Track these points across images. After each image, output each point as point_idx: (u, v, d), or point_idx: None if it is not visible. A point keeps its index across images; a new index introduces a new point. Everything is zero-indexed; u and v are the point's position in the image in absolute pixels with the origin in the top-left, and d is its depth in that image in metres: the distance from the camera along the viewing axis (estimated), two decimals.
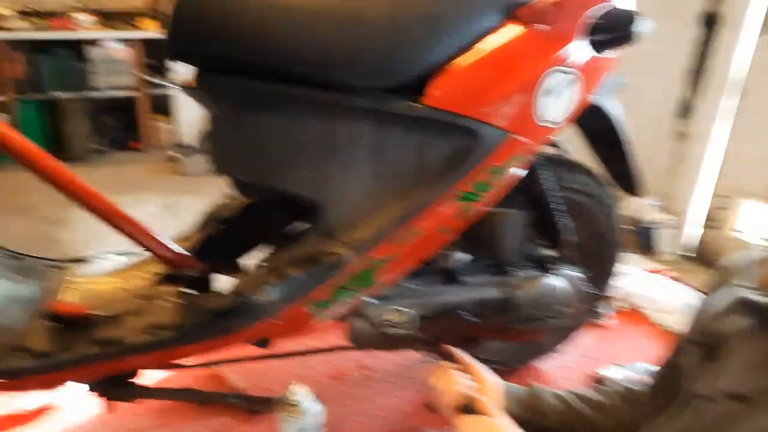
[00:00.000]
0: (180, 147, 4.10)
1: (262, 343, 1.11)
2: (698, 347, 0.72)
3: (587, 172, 1.36)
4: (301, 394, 0.97)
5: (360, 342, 1.15)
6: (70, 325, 1.02)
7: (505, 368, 1.43)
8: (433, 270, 1.19)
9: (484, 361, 1.39)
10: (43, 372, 0.93)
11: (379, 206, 1.06)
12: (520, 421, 0.84)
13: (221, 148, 1.09)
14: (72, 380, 0.99)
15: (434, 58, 1.01)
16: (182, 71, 4.03)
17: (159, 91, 4.15)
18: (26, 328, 1.01)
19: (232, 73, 0.99)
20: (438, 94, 1.01)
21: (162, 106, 4.35)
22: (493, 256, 1.22)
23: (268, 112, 1.02)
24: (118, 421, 1.22)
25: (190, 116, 4.13)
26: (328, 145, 1.04)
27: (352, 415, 1.28)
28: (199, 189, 3.56)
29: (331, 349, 1.30)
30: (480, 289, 1.18)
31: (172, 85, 4.11)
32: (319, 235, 1.08)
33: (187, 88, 1.05)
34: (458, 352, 0.97)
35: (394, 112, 1.01)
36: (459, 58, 1.01)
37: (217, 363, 1.30)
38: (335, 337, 1.46)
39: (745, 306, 0.66)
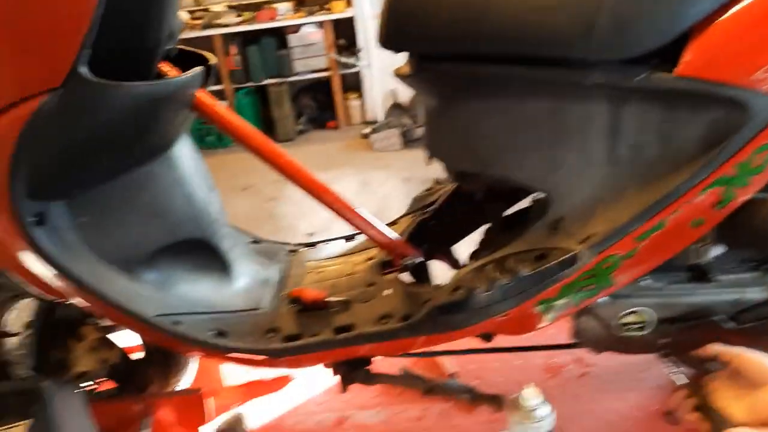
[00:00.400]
0: (371, 123, 4.29)
1: (485, 337, 1.09)
2: None
3: None
4: (536, 399, 0.93)
5: (589, 343, 1.06)
6: (310, 309, 1.11)
7: None
8: (679, 266, 1.04)
9: None
10: (294, 353, 1.02)
11: (618, 197, 0.94)
12: None
13: (440, 137, 1.07)
14: (316, 362, 1.08)
15: (688, 18, 0.85)
16: (377, 50, 4.18)
17: (350, 71, 4.37)
18: (275, 310, 1.13)
19: (451, 58, 0.96)
20: (695, 60, 0.85)
21: (353, 85, 4.58)
22: (757, 251, 1.03)
23: (491, 97, 0.97)
24: (347, 396, 1.31)
25: (379, 93, 4.30)
26: (557, 128, 0.95)
27: (576, 416, 1.20)
28: (390, 164, 3.70)
29: (553, 347, 1.23)
30: (738, 289, 1.01)
31: (361, 64, 4.29)
32: (545, 227, 1.00)
33: (402, 77, 1.04)
34: (728, 350, 0.81)
35: (636, 87, 0.88)
36: (721, 15, 0.84)
37: (438, 353, 1.33)
38: (553, 331, 1.39)
39: None
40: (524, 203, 1.22)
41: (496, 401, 1.17)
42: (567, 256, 0.93)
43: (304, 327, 1.06)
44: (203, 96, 1.08)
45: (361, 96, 4.51)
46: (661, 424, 1.15)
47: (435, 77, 1.00)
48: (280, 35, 4.29)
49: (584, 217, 0.96)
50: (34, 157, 0.85)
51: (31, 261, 0.93)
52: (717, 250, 1.08)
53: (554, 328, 1.38)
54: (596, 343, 1.07)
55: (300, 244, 1.39)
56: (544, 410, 0.93)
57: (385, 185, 3.39)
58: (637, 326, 1.03)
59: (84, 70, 0.81)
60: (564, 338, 1.11)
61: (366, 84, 4.41)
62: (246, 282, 1.18)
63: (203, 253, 1.12)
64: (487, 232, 1.23)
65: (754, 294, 1.01)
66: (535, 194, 1.18)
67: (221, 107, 1.10)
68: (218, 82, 4.30)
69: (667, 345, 1.06)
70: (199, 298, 1.08)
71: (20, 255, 0.93)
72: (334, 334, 1.03)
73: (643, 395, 1.24)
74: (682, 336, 1.03)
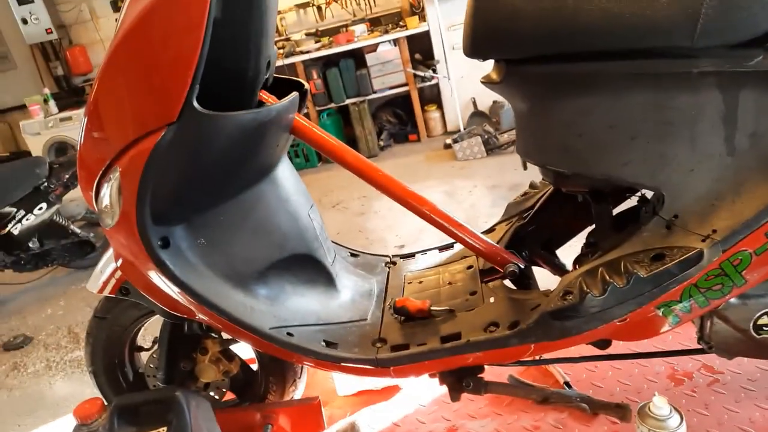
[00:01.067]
0: (452, 133, 4.28)
1: (602, 344, 1.04)
2: None
3: None
4: (666, 408, 0.87)
5: (721, 348, 0.98)
6: (415, 319, 1.11)
7: None
8: None
9: None
10: (403, 363, 1.03)
11: (741, 189, 0.87)
12: None
13: (535, 140, 1.04)
14: (424, 372, 1.08)
15: None
16: (454, 60, 4.16)
17: (427, 83, 4.40)
18: (380, 320, 1.14)
19: (541, 60, 0.93)
20: None
21: (432, 97, 4.61)
22: None
23: (587, 95, 0.93)
24: (457, 405, 1.30)
25: (458, 103, 4.28)
26: (664, 121, 0.90)
27: (709, 427, 1.11)
28: (475, 172, 3.67)
29: (675, 353, 1.15)
30: None
31: (438, 76, 4.30)
32: (660, 225, 0.94)
33: (491, 83, 1.02)
34: None
35: (752, 71, 0.81)
36: None
37: (550, 360, 1.28)
38: (674, 334, 1.30)
39: None
40: (631, 202, 1.16)
41: (619, 410, 1.11)
42: (690, 254, 0.87)
43: (410, 337, 1.07)
44: (299, 119, 1.13)
45: (440, 107, 4.52)
46: None
47: (525, 81, 0.98)
48: (357, 56, 4.42)
49: (703, 212, 0.90)
50: (157, 187, 0.93)
51: (159, 281, 1.01)
52: None
53: (674, 332, 1.30)
54: (728, 348, 0.98)
55: (397, 256, 1.41)
56: (675, 420, 0.87)
57: (472, 194, 3.36)
58: None
59: (196, 104, 0.88)
60: (686, 343, 1.03)
61: (444, 95, 4.41)
62: (350, 294, 1.21)
63: (309, 267, 1.16)
64: (592, 234, 1.17)
65: None
66: (641, 192, 1.12)
67: (316, 128, 1.14)
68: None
69: None
70: (309, 310, 1.12)
71: (149, 276, 1.01)
72: (441, 342, 1.03)
73: None
74: None
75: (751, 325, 0.94)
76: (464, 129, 4.12)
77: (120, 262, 1.06)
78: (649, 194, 1.04)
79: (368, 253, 1.43)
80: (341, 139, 4.81)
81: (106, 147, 0.95)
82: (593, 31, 0.85)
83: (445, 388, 1.13)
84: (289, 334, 1.05)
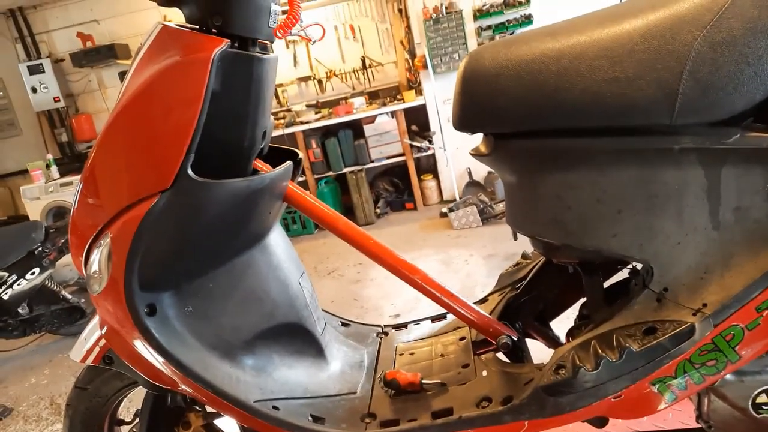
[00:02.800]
0: (448, 202, 4.34)
1: (599, 422, 1.00)
2: None
3: None
4: None
5: (721, 428, 0.95)
6: (405, 392, 1.08)
7: None
8: None
9: None
10: None
11: (729, 263, 0.87)
12: None
13: (520, 211, 1.05)
14: None
15: None
16: (450, 131, 4.31)
17: (424, 154, 4.51)
18: (370, 393, 1.11)
19: (528, 135, 0.96)
20: None
21: (428, 167, 4.71)
22: None
23: (574, 169, 0.95)
24: None
25: (454, 173, 4.37)
26: (650, 195, 0.91)
27: None
28: (471, 241, 3.69)
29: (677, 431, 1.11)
30: None
31: (434, 147, 4.42)
32: (650, 298, 0.94)
33: (479, 156, 1.05)
34: None
35: (731, 148, 0.84)
36: None
37: None
38: (674, 412, 1.26)
39: None
40: (623, 274, 1.16)
41: None
42: (681, 328, 0.86)
43: (400, 412, 1.04)
44: (293, 187, 1.15)
45: (436, 176, 4.61)
46: None
47: (512, 154, 1.00)
48: (356, 127, 4.56)
49: (693, 286, 0.89)
50: (147, 253, 0.93)
51: (143, 349, 0.99)
52: None
53: (674, 411, 1.26)
54: (728, 428, 0.95)
55: (389, 326, 1.39)
56: None
57: (468, 263, 3.36)
58: None
59: (190, 172, 0.89)
60: (687, 421, 1.00)
61: (440, 165, 4.52)
62: (339, 365, 1.18)
63: (298, 336, 1.14)
64: (585, 306, 1.16)
65: None
66: (632, 264, 1.12)
67: (309, 196, 1.16)
68: (301, 173, 4.58)
69: None
70: (296, 382, 1.09)
71: (134, 344, 0.99)
72: (432, 419, 0.99)
73: None
74: None
75: (750, 403, 0.91)
76: (460, 198, 4.18)
77: (105, 329, 1.04)
78: (639, 267, 1.05)
79: (360, 323, 1.41)
80: (338, 206, 4.89)
81: (99, 213, 0.96)
82: (574, 109, 0.88)
83: None
84: (274, 407, 1.02)
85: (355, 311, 2.98)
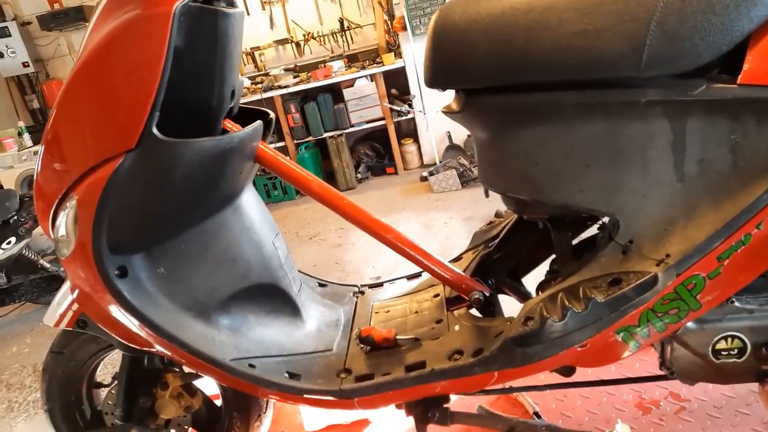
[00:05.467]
0: (427, 166, 4.34)
1: (566, 371, 1.04)
2: None
3: None
4: None
5: (682, 373, 0.98)
6: (380, 348, 1.10)
7: None
8: None
9: None
10: (368, 393, 1.01)
11: (693, 214, 0.89)
12: None
13: (491, 168, 1.06)
14: (389, 402, 1.06)
15: (744, 26, 0.81)
16: (429, 95, 4.26)
17: (404, 118, 4.47)
18: (346, 350, 1.13)
19: (498, 90, 0.96)
20: (759, 67, 0.80)
21: (408, 131, 4.68)
22: None
23: (543, 124, 0.95)
24: None
25: (434, 137, 4.35)
26: (616, 149, 0.92)
27: None
28: (450, 205, 3.70)
29: (641, 379, 1.15)
30: None
31: (414, 110, 4.38)
32: (616, 250, 0.96)
33: (451, 113, 1.05)
34: None
35: (696, 100, 0.84)
36: None
37: (517, 389, 1.27)
38: (640, 362, 1.31)
39: None
40: (592, 230, 1.18)
41: None
42: (645, 279, 0.88)
43: (375, 366, 1.06)
44: (264, 148, 1.13)
45: (416, 141, 4.59)
46: None
47: (483, 110, 1.00)
48: (335, 91, 4.48)
49: (657, 237, 0.91)
50: (115, 215, 0.91)
51: (116, 312, 0.99)
52: None
53: (641, 360, 1.30)
54: (689, 374, 0.99)
55: (365, 285, 1.40)
56: None
57: (448, 226, 3.38)
58: (732, 353, 0.94)
59: (155, 130, 0.88)
60: (652, 370, 1.04)
61: (420, 129, 4.49)
62: (316, 324, 1.20)
63: (273, 297, 1.15)
64: (555, 261, 1.18)
65: None
66: (601, 220, 1.14)
67: (281, 157, 1.15)
68: (281, 138, 4.52)
69: None
70: (272, 341, 1.10)
71: (106, 307, 0.99)
72: (405, 372, 1.01)
73: (749, 431, 1.12)
74: None
75: (710, 349, 0.94)
76: (440, 162, 4.17)
77: (77, 293, 1.03)
78: (606, 221, 1.06)
79: (336, 283, 1.42)
80: (319, 172, 4.86)
81: (63, 175, 0.94)
82: (543, 63, 0.88)
83: (412, 420, 1.11)
84: (251, 365, 1.03)
85: (337, 274, 2.99)
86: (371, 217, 1.15)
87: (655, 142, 0.90)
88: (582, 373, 1.12)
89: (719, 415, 1.18)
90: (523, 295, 1.27)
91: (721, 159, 0.88)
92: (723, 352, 0.95)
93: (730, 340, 0.94)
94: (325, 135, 4.47)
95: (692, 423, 1.18)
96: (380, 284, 1.40)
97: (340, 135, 4.44)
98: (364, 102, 4.45)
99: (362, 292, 1.37)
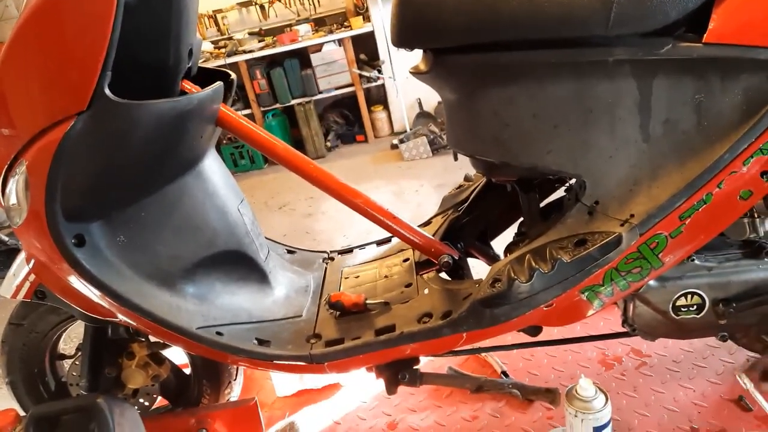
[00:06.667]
0: (398, 134, 4.30)
1: (532, 331, 1.05)
2: None
3: None
4: (591, 390, 0.89)
5: (643, 329, 1.01)
6: (350, 313, 1.10)
7: None
8: (733, 242, 0.98)
9: None
10: (337, 358, 1.01)
11: (657, 175, 0.90)
12: None
13: (459, 130, 1.05)
14: (360, 366, 1.06)
15: None
16: (399, 60, 4.18)
17: (373, 84, 4.40)
18: (316, 316, 1.12)
19: (466, 50, 0.94)
20: (724, 26, 0.81)
21: (378, 98, 4.61)
22: None
23: (511, 84, 0.94)
24: (397, 400, 1.29)
25: (404, 104, 4.30)
26: (582, 111, 0.92)
27: (637, 408, 1.14)
28: (421, 172, 3.69)
29: (603, 337, 1.18)
30: None
31: (383, 76, 4.31)
32: (583, 212, 0.97)
33: (419, 74, 1.03)
34: None
35: (662, 59, 0.85)
36: None
37: (485, 349, 1.30)
38: (604, 320, 1.34)
39: None
40: (559, 192, 1.18)
41: (550, 395, 1.13)
42: (609, 239, 0.89)
43: (345, 331, 1.06)
44: (225, 110, 1.09)
45: (386, 108, 4.53)
46: (730, 413, 1.08)
47: (452, 70, 0.98)
48: (302, 56, 4.36)
49: (622, 198, 0.92)
50: (68, 180, 0.87)
51: (76, 282, 0.96)
52: None
53: (604, 319, 1.34)
54: (650, 330, 1.02)
55: (335, 251, 1.39)
56: (601, 400, 0.89)
57: (419, 193, 3.38)
58: (691, 309, 0.97)
59: (108, 91, 0.83)
60: (615, 328, 1.06)
61: (390, 95, 4.43)
62: (284, 291, 1.19)
63: (240, 264, 1.13)
64: (523, 224, 1.19)
65: None
66: (569, 182, 1.15)
67: (244, 120, 1.11)
68: (247, 106, 4.39)
69: (726, 327, 1.00)
70: (240, 308, 1.09)
71: (64, 277, 0.96)
72: (375, 336, 1.02)
73: (707, 383, 1.17)
74: (742, 317, 0.97)
75: (670, 306, 0.97)
76: (410, 129, 4.14)
77: (33, 263, 0.99)
78: (573, 182, 1.07)
79: (305, 250, 1.41)
80: (288, 140, 4.78)
81: (11, 140, 0.89)
82: (513, 21, 0.86)
83: (383, 384, 1.12)
84: (218, 333, 1.02)
85: (308, 244, 2.98)
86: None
87: (622, 101, 0.90)
88: (548, 333, 1.15)
89: (677, 369, 1.23)
90: (491, 258, 1.29)
91: (686, 119, 0.88)
92: (683, 309, 0.98)
93: (689, 297, 0.97)
94: (293, 102, 4.37)
95: (652, 377, 1.23)
96: (350, 250, 1.39)
97: (309, 102, 4.35)
98: (333, 68, 4.35)
99: (332, 258, 1.36)
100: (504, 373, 1.30)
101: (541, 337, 1.09)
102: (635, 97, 0.89)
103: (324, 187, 1.13)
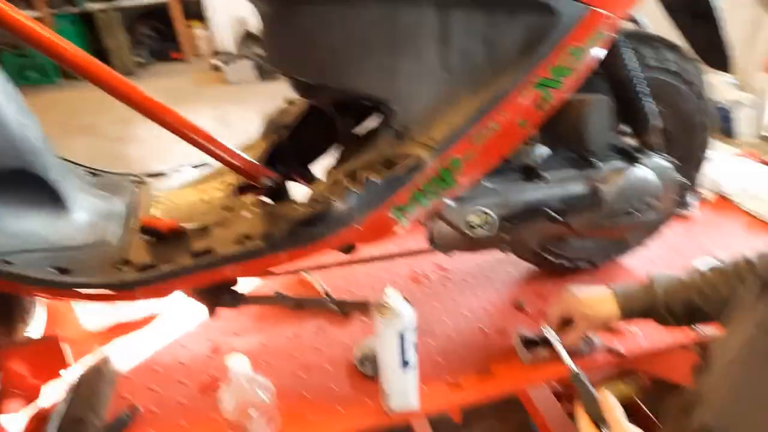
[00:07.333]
0: (221, 54, 4.02)
1: (347, 249, 1.13)
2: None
3: (672, 47, 1.24)
4: (396, 298, 0.99)
5: (442, 245, 1.14)
6: (165, 239, 1.05)
7: (592, 266, 1.42)
8: (514, 167, 1.14)
9: (570, 260, 1.39)
10: (150, 283, 0.98)
11: (453, 101, 1.00)
12: (642, 312, 1.02)
13: (276, 47, 1.03)
14: (175, 290, 1.04)
15: None
16: None
17: None
18: (125, 242, 1.06)
19: None
20: None
21: (197, 12, 4.22)
22: (575, 149, 1.17)
23: (323, 4, 0.94)
24: (221, 325, 1.30)
25: (227, 20, 4.01)
26: (390, 37, 0.96)
27: (438, 316, 1.31)
28: (246, 97, 3.54)
29: (411, 254, 1.31)
30: (563, 185, 1.13)
31: None
32: (392, 136, 1.04)
33: None
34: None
35: None
36: None
37: (303, 270, 1.35)
38: (415, 240, 1.48)
39: None
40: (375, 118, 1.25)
41: (362, 308, 1.24)
42: (413, 161, 0.98)
43: (158, 256, 1.02)
44: (5, 8, 0.92)
45: (206, 24, 4.19)
46: (510, 314, 1.30)
47: None
48: None
49: (426, 123, 1.01)
50: None
51: None
52: (546, 152, 1.21)
53: (415, 239, 1.48)
54: (448, 245, 1.15)
55: (146, 174, 1.30)
56: (404, 308, 1.00)
57: (244, 120, 3.26)
58: (481, 226, 1.12)
59: None
60: (424, 245, 1.19)
61: (211, 11, 4.09)
62: (86, 216, 1.09)
63: (27, 185, 0.99)
64: (343, 146, 1.24)
65: (576, 188, 1.14)
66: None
67: (30, 21, 0.94)
68: (30, 5, 3.70)
69: (508, 241, 1.18)
70: (31, 234, 0.98)
71: None
72: (192, 258, 1.00)
73: (493, 291, 1.38)
74: (520, 231, 1.14)
75: (464, 224, 1.10)
76: (236, 51, 3.91)
77: None
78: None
79: (110, 172, 1.29)
80: (87, 52, 4.19)
81: None
82: None
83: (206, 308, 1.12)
84: (5, 261, 0.91)
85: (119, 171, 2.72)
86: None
87: (425, 31, 0.96)
88: (363, 251, 1.24)
89: (473, 280, 1.43)
90: (312, 181, 1.32)
91: (478, 51, 0.98)
92: (474, 226, 1.12)
93: (480, 214, 1.11)
94: (92, 6, 3.80)
95: (452, 288, 1.41)
96: (163, 174, 1.31)
97: (112, 8, 3.82)
98: None
99: (142, 182, 1.27)
100: (326, 292, 1.39)
101: (357, 257, 1.18)
102: (436, 27, 0.96)
103: (131, 102, 1.02)
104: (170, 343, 1.29)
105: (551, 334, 1.03)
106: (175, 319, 1.35)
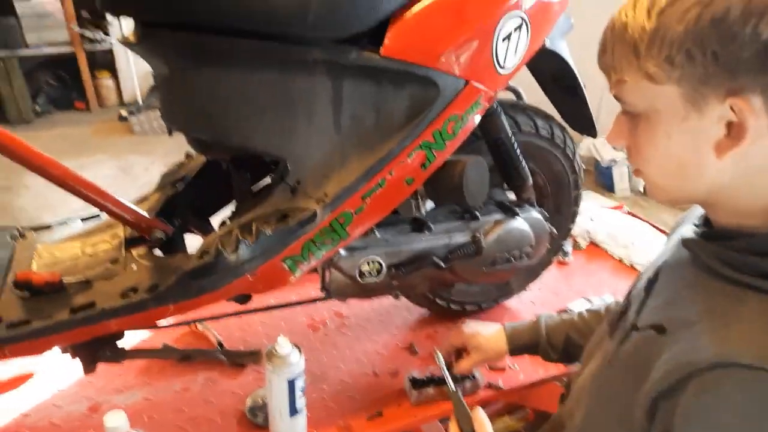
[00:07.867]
0: (128, 105, 3.93)
1: (242, 299, 1.13)
2: (647, 281, 0.78)
3: (544, 115, 1.40)
4: (286, 346, 1.00)
5: (336, 293, 1.18)
6: (44, 294, 1.01)
7: (479, 309, 1.52)
8: (403, 219, 1.22)
9: (459, 304, 1.48)
10: (22, 340, 0.92)
11: (345, 160, 1.06)
12: (528, 348, 1.13)
13: (172, 106, 1.06)
14: (53, 346, 0.98)
15: (389, 6, 1.00)
16: (122, 25, 3.83)
17: (99, 47, 3.93)
18: None
19: (176, 27, 0.95)
20: (394, 43, 1.00)
21: (104, 63, 4.13)
22: (458, 203, 1.26)
23: (221, 66, 0.98)
24: (102, 382, 1.23)
25: (136, 72, 3.95)
26: (285, 99, 1.02)
27: (334, 362, 1.32)
28: (153, 149, 3.46)
29: (307, 302, 1.33)
30: (448, 235, 1.22)
31: (110, 39, 3.89)
32: (286, 191, 1.08)
33: (128, 44, 1.00)
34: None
35: (350, 65, 1.00)
36: (415, 6, 1.01)
37: (196, 321, 1.32)
38: (311, 289, 1.50)
39: (682, 241, 0.71)
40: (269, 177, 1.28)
41: (254, 357, 1.23)
42: (307, 214, 1.02)
43: (34, 312, 0.97)
44: None
45: (115, 75, 4.11)
46: (402, 357, 1.34)
47: (161, 46, 0.97)
48: (5, 2, 3.65)
49: (319, 179, 1.06)
50: None
51: None
52: (431, 205, 1.30)
53: (312, 287, 1.50)
54: (342, 293, 1.19)
55: (30, 227, 1.24)
56: (295, 356, 1.01)
57: (149, 171, 3.18)
58: (373, 274, 1.17)
59: None
60: (319, 294, 1.21)
61: (120, 62, 4.03)
62: None
63: None
64: (240, 200, 1.26)
65: (459, 238, 1.23)
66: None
67: None
68: None
69: (399, 287, 1.24)
70: None
71: None
72: (71, 314, 0.96)
73: (388, 336, 1.42)
74: (410, 278, 1.21)
75: (357, 272, 1.15)
76: (143, 102, 3.85)
77: None
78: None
79: None
80: None
81: None
82: (217, 8, 0.91)
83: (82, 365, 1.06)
84: None
85: (5, 223, 2.53)
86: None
87: (319, 96, 1.03)
88: (259, 301, 1.24)
89: (368, 326, 1.47)
90: (209, 233, 1.32)
91: (367, 116, 1.06)
92: (366, 273, 1.17)
93: (371, 263, 1.16)
94: None
95: (349, 335, 1.43)
96: (48, 226, 1.26)
97: (11, 57, 3.66)
98: (46, 21, 3.75)
99: (23, 235, 1.21)
100: (220, 343, 1.36)
101: (252, 306, 1.18)
102: (329, 93, 1.03)
103: (12, 155, 1.00)
104: (43, 403, 1.20)
105: (440, 359, 1.08)
106: (49, 377, 1.26)
